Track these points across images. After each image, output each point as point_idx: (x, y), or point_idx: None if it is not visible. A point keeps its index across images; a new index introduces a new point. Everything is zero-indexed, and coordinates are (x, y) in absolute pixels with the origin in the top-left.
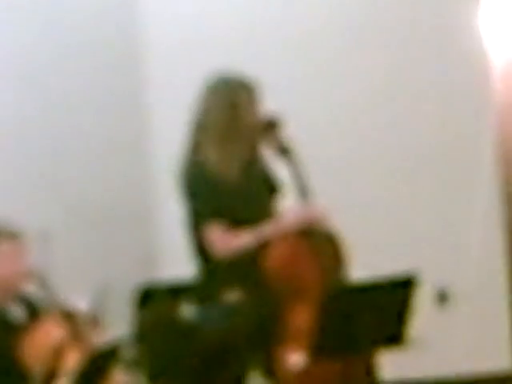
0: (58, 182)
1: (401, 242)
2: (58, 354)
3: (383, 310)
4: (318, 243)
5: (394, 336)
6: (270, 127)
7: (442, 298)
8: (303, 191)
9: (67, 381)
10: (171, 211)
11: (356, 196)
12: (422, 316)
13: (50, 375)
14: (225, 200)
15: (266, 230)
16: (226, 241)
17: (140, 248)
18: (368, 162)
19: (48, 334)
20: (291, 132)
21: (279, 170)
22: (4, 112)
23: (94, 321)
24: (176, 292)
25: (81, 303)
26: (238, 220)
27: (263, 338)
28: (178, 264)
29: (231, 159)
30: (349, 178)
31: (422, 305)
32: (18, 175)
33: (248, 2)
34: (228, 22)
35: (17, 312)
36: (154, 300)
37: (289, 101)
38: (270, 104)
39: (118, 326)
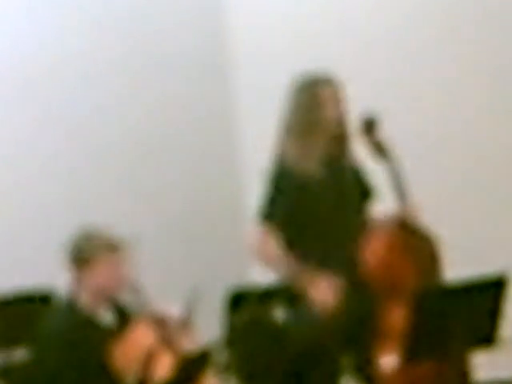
0: (149, 191)
1: (491, 241)
2: (149, 360)
3: (475, 310)
4: (416, 242)
5: (486, 336)
6: (368, 127)
7: None
8: (401, 192)
9: None
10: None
11: (447, 194)
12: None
13: (142, 382)
14: (300, 199)
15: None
16: (264, 248)
17: (231, 252)
18: (456, 159)
19: (138, 341)
20: (388, 131)
21: (376, 170)
22: (100, 123)
23: (186, 326)
24: (267, 296)
25: (172, 308)
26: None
27: (355, 339)
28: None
29: (310, 153)
30: (441, 176)
31: None
32: (113, 185)
33: (335, 4)
34: (316, 24)
35: (108, 317)
36: (245, 304)
37: (378, 101)
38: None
39: (210, 330)
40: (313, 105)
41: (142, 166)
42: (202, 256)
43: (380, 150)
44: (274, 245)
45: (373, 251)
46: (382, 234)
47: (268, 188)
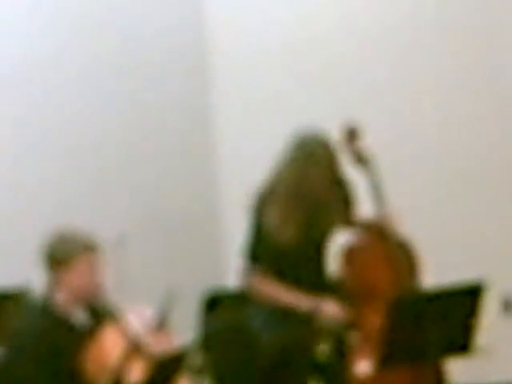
0: (131, 190)
1: (467, 249)
2: (121, 366)
3: (451, 317)
4: (393, 249)
5: (461, 344)
6: (350, 136)
7: (507, 306)
8: (379, 200)
9: None
10: (238, 220)
11: (423, 201)
12: (488, 324)
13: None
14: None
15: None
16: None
17: (208, 255)
18: (436, 165)
19: (109, 346)
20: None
21: (355, 179)
22: (81, 122)
23: (160, 327)
24: (242, 299)
25: (147, 310)
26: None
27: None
28: None
29: (290, 224)
30: (416, 183)
31: (488, 313)
32: (96, 183)
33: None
34: (295, 32)
35: (81, 318)
36: (220, 307)
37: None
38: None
39: (185, 332)
40: (302, 175)
41: (124, 167)
42: (179, 258)
43: (361, 158)
44: (270, 282)
45: (350, 258)
46: (359, 241)
47: (252, 229)
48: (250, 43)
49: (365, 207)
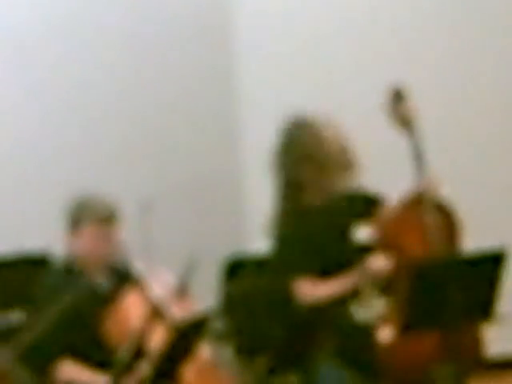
0: (155, 158)
1: (491, 215)
2: (142, 332)
3: (473, 284)
4: (430, 216)
5: (483, 311)
6: (396, 97)
7: None
8: (420, 163)
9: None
10: (260, 188)
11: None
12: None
13: (136, 354)
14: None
15: (349, 278)
16: (313, 292)
17: (229, 221)
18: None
19: (130, 311)
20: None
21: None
22: (106, 92)
23: (182, 293)
24: (263, 265)
25: (169, 276)
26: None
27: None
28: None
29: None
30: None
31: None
32: (122, 152)
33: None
34: (317, 20)
35: (105, 284)
36: (242, 272)
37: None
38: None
39: (206, 298)
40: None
41: (148, 135)
42: (202, 224)
43: (405, 121)
44: (317, 285)
45: (381, 223)
46: (394, 207)
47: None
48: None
49: (406, 170)
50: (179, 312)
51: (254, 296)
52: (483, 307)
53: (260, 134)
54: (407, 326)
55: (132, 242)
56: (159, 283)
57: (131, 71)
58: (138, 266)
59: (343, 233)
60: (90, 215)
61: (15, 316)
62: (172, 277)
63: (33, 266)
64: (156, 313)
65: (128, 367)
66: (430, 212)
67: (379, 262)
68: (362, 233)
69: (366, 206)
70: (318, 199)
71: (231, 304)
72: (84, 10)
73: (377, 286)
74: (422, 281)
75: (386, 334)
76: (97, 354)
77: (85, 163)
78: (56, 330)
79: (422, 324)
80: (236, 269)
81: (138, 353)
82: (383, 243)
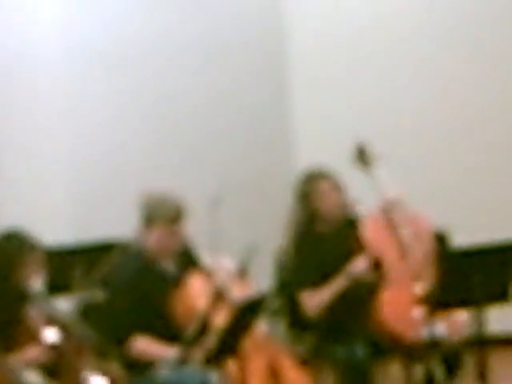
0: (222, 158)
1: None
2: (207, 310)
3: (492, 270)
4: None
5: (500, 293)
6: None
7: None
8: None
9: (217, 332)
10: None
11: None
12: None
13: (201, 331)
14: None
15: (338, 281)
16: (314, 302)
17: (283, 213)
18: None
19: (196, 292)
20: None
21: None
22: (180, 97)
23: (242, 276)
24: None
25: (230, 261)
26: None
27: None
28: None
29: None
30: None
31: None
32: (193, 150)
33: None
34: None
35: (173, 269)
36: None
37: None
38: None
39: (263, 281)
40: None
41: (215, 137)
42: (259, 216)
43: (366, 163)
44: (318, 294)
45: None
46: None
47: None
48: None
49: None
50: (239, 293)
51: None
52: (501, 289)
53: (312, 132)
54: (438, 305)
55: (199, 231)
56: (222, 268)
57: (200, 84)
58: (203, 253)
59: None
60: (162, 217)
61: (95, 295)
62: (233, 262)
63: (110, 251)
64: (219, 294)
65: (195, 342)
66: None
67: (360, 265)
68: None
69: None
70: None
71: (284, 287)
72: (167, 30)
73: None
74: (451, 267)
75: (419, 313)
76: (166, 331)
77: (161, 162)
78: (130, 309)
79: (451, 303)
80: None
81: (204, 329)
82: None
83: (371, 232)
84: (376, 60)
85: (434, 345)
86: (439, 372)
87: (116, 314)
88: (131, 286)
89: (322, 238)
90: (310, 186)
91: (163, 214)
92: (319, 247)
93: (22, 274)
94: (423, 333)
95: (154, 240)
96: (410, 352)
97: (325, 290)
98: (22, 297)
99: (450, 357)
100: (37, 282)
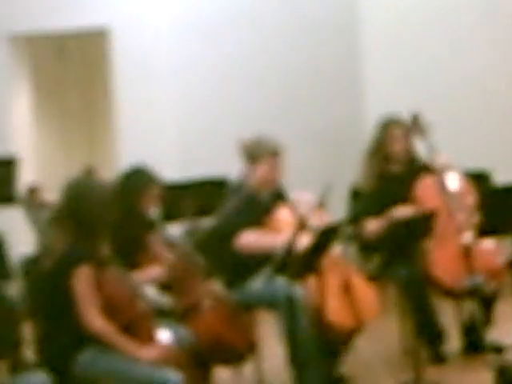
0: (299, 108)
1: None
2: (293, 234)
3: None
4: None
5: None
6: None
7: None
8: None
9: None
10: None
11: None
12: None
13: (289, 249)
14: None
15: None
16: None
17: (354, 156)
18: None
19: (284, 219)
20: None
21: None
22: (265, 57)
23: (321, 208)
24: None
25: (311, 196)
26: None
27: None
28: None
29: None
30: None
31: None
32: (279, 103)
33: None
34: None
35: (267, 199)
36: (359, 195)
37: None
38: None
39: (337, 212)
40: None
41: (297, 95)
42: (334, 159)
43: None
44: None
45: None
46: None
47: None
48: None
49: None
50: (319, 221)
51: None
52: None
53: (380, 90)
54: (484, 232)
55: (286, 171)
56: (304, 200)
57: (286, 54)
58: (290, 190)
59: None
60: (265, 151)
61: (206, 221)
62: (313, 196)
63: (217, 186)
64: (302, 221)
65: (282, 261)
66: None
67: (404, 212)
68: None
69: None
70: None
71: (355, 217)
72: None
73: None
74: (493, 201)
75: (468, 238)
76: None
77: (256, 112)
78: (237, 214)
79: (495, 230)
80: (358, 193)
81: (289, 251)
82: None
83: (424, 189)
84: (437, 28)
85: (474, 292)
86: (479, 315)
87: (221, 236)
88: (238, 210)
89: (393, 177)
90: (385, 131)
91: (266, 148)
92: (389, 185)
93: (145, 203)
94: (466, 282)
95: (259, 173)
96: (457, 297)
97: (376, 223)
98: (145, 224)
99: (488, 302)
100: (155, 211)
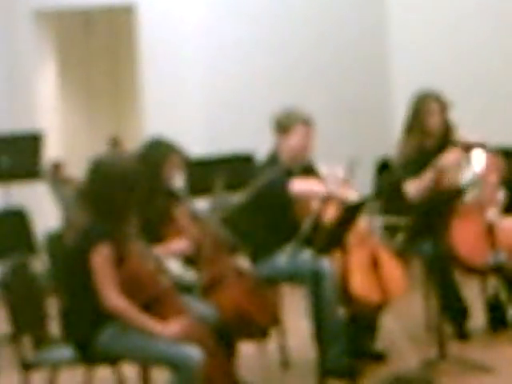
0: (328, 80)
1: None
2: (321, 206)
3: None
4: None
5: None
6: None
7: None
8: None
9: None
10: (403, 107)
11: None
12: None
13: (316, 222)
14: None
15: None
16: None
17: (381, 131)
18: None
19: (315, 191)
20: None
21: None
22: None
23: (347, 182)
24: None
25: (338, 169)
26: None
27: None
28: None
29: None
30: None
31: None
32: (306, 77)
33: None
34: None
35: (297, 173)
36: (388, 169)
37: None
38: None
39: (364, 187)
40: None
41: (325, 70)
42: (361, 133)
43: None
44: (418, 181)
45: None
46: None
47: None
48: None
49: None
50: (346, 195)
51: (396, 185)
52: None
53: (405, 62)
54: (509, 209)
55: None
56: (332, 174)
57: (314, 28)
58: (320, 163)
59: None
60: (297, 120)
61: (233, 197)
62: (341, 169)
63: (244, 161)
64: (330, 195)
65: (309, 235)
66: None
67: (450, 158)
68: None
69: None
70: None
71: (381, 192)
72: None
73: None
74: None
75: (492, 214)
76: (287, 225)
77: (284, 87)
78: (260, 204)
79: None
80: (384, 167)
81: (316, 225)
82: None
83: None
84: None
85: (498, 269)
86: (503, 292)
87: (248, 208)
88: (266, 185)
89: (428, 152)
90: (422, 105)
91: (298, 118)
92: (425, 160)
93: (167, 173)
94: (490, 259)
95: (292, 143)
96: (481, 274)
97: (422, 179)
98: (169, 195)
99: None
100: (179, 182)
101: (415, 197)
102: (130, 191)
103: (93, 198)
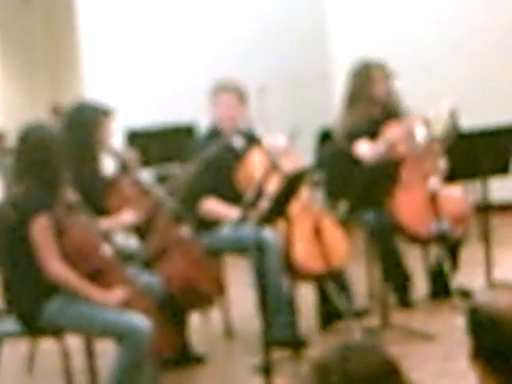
0: (267, 52)
1: None
2: (263, 178)
3: (496, 147)
4: None
5: (503, 167)
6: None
7: None
8: None
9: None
10: (342, 78)
11: None
12: None
13: (258, 194)
14: None
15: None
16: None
17: (321, 101)
18: None
19: (255, 163)
20: None
21: None
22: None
23: (289, 152)
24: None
25: (280, 139)
26: None
27: None
28: None
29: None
30: None
31: None
32: (247, 47)
33: None
34: None
35: (240, 144)
36: (330, 139)
37: None
38: None
39: (306, 156)
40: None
41: (271, 35)
42: (302, 102)
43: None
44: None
45: None
46: None
47: None
48: None
49: None
50: (288, 165)
51: (339, 156)
52: (504, 163)
53: (344, 39)
54: (451, 177)
55: (253, 114)
56: (273, 143)
57: (254, 3)
58: (259, 131)
59: None
60: (219, 90)
61: (172, 167)
62: (282, 139)
63: (184, 132)
64: (272, 165)
65: (253, 204)
66: None
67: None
68: None
69: None
70: None
71: (323, 162)
72: None
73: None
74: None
75: (434, 183)
76: (231, 195)
77: (224, 55)
78: (202, 175)
79: (460, 176)
80: (325, 136)
81: (260, 194)
82: None
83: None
84: None
85: (441, 238)
86: (446, 261)
87: (190, 181)
88: (202, 157)
89: (376, 120)
90: (367, 73)
91: (219, 89)
92: (373, 128)
93: (100, 136)
94: (433, 228)
95: (216, 114)
96: (424, 243)
97: (374, 146)
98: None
99: (454, 247)
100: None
101: (367, 159)
102: (61, 156)
103: (25, 166)
